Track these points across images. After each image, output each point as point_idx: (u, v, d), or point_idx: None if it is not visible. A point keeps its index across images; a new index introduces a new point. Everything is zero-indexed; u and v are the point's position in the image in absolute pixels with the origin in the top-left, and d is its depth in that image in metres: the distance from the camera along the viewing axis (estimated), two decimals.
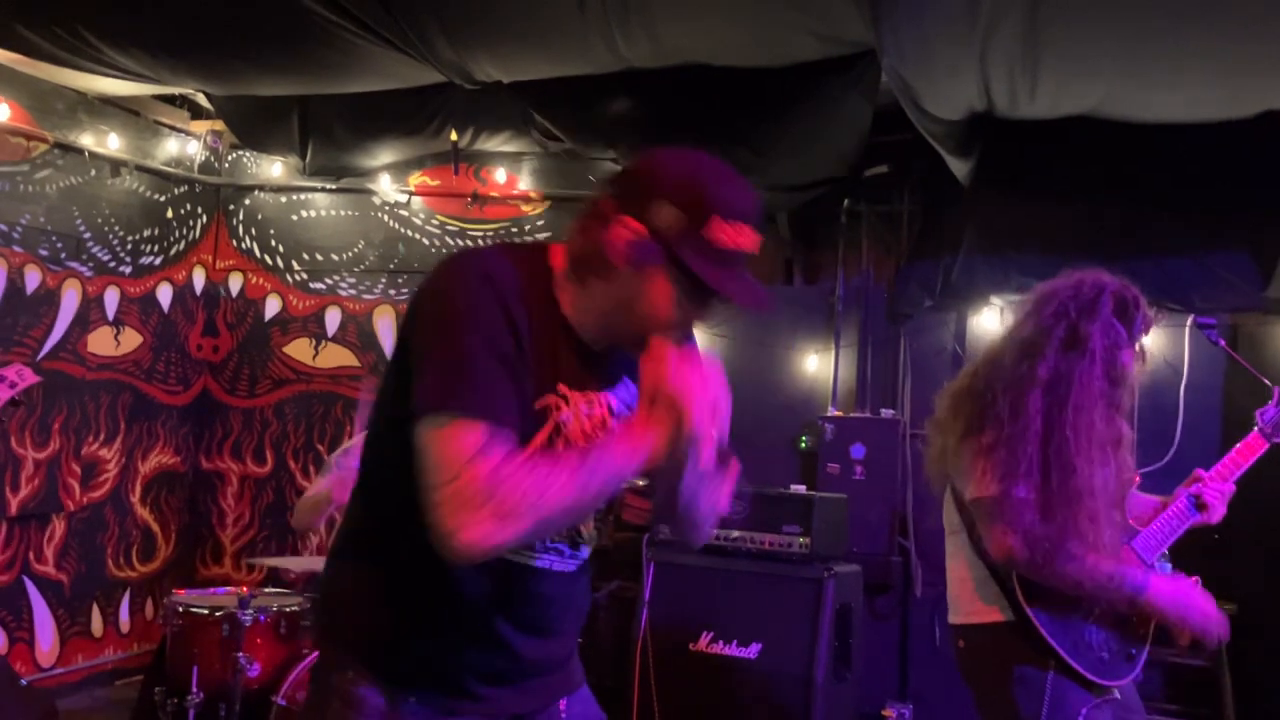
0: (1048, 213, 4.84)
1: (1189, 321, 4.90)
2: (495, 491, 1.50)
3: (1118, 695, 2.63)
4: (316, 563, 4.46)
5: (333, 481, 4.68)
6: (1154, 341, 4.89)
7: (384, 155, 5.75)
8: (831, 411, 5.32)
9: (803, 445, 5.39)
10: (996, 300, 5.13)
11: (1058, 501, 2.47)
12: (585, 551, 1.88)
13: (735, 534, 4.58)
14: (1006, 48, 3.52)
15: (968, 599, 2.69)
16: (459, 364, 1.57)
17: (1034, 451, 2.48)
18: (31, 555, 5.35)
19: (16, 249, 5.18)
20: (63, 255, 5.44)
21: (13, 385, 3.57)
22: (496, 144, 5.57)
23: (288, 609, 3.93)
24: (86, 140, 5.50)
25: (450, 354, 1.58)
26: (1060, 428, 2.49)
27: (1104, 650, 2.61)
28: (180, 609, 3.87)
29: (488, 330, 1.61)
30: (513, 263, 1.70)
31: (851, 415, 5.29)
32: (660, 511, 1.82)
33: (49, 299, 5.36)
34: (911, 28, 3.37)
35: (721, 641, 4.48)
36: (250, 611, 3.73)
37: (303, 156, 5.65)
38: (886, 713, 4.97)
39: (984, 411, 2.56)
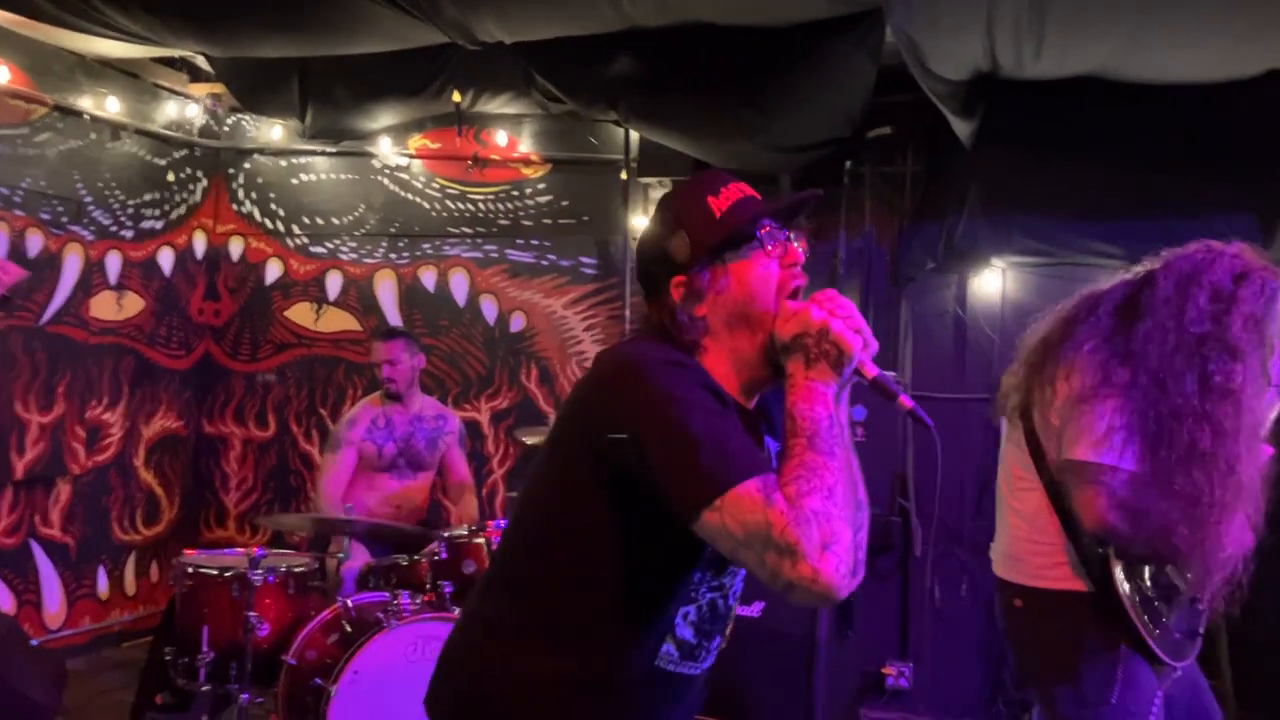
0: (1051, 174, 4.85)
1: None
2: (807, 518, 1.49)
3: (1179, 673, 2.58)
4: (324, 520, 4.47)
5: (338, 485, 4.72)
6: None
7: (384, 118, 5.72)
8: None
9: None
10: (998, 262, 5.14)
11: (1179, 479, 2.38)
12: (711, 660, 1.83)
13: None
14: (1013, 6, 3.51)
15: (1040, 561, 2.59)
16: (702, 444, 1.53)
17: (1157, 422, 2.39)
18: (38, 519, 5.38)
19: (18, 213, 5.17)
20: (64, 219, 5.43)
21: None
22: (497, 106, 5.55)
23: (296, 569, 3.96)
24: (86, 103, 5.48)
25: (690, 440, 1.53)
26: (1199, 404, 2.38)
27: (1177, 630, 2.56)
28: (190, 569, 3.90)
29: (705, 404, 1.58)
30: (675, 350, 1.69)
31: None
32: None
33: (51, 263, 5.36)
34: None
35: None
36: (260, 571, 3.76)
37: (303, 119, 5.62)
38: (887, 670, 5.03)
39: (1096, 369, 2.45)
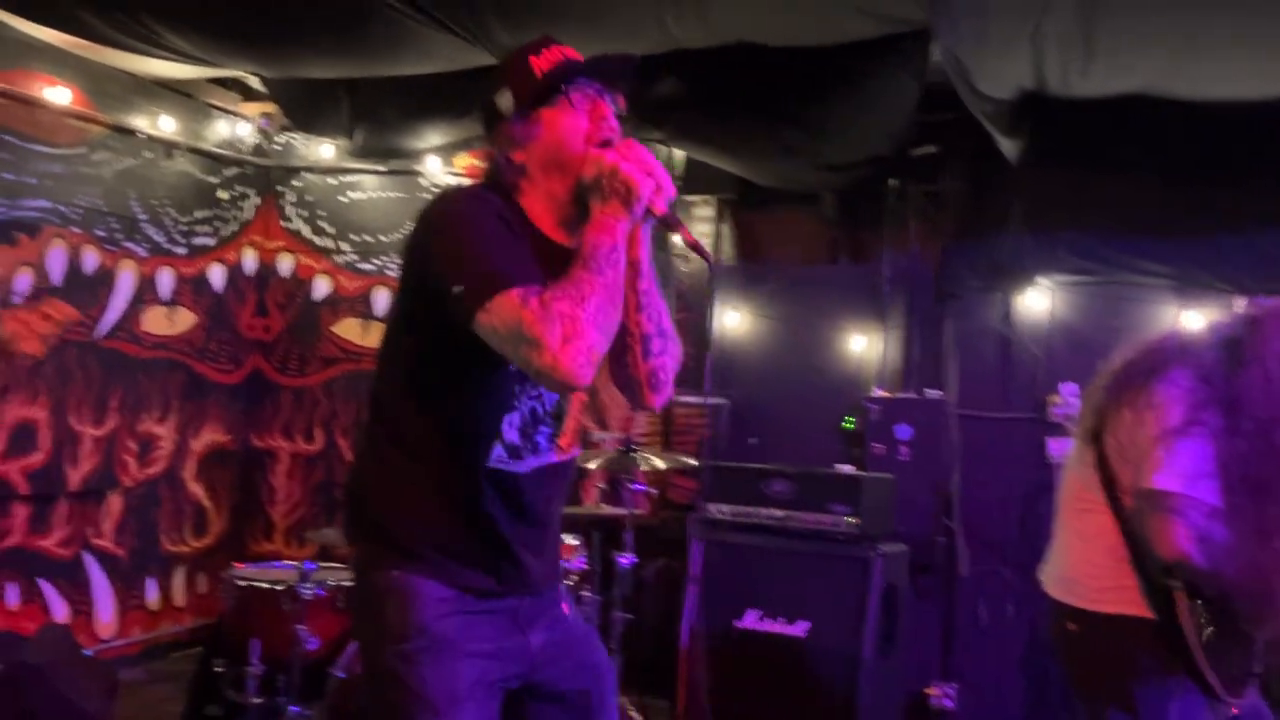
0: (1096, 192, 4.82)
1: (1238, 303, 4.86)
2: (553, 317, 1.78)
3: (1237, 712, 2.54)
4: None
5: None
6: (1202, 322, 4.87)
7: (432, 137, 5.79)
8: (877, 392, 5.33)
9: (848, 425, 5.40)
10: (1044, 280, 5.12)
11: (1256, 514, 2.37)
12: (540, 460, 2.08)
13: (782, 513, 4.62)
14: (1061, 25, 3.50)
15: (1098, 584, 2.57)
16: (479, 256, 1.86)
17: (1260, 471, 2.37)
18: (90, 530, 5.47)
19: (75, 230, 5.28)
20: (119, 236, 5.54)
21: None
22: None
23: (345, 583, 4.01)
24: (141, 123, 5.60)
25: (469, 251, 1.87)
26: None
27: (1237, 667, 2.52)
28: (240, 582, 3.96)
29: (493, 227, 1.90)
30: (488, 190, 2.02)
31: (897, 396, 5.30)
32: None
33: (106, 279, 5.47)
34: (967, 5, 3.36)
35: (769, 619, 4.52)
36: (309, 585, 3.81)
37: (352, 138, 5.71)
38: (930, 691, 5.00)
39: (1190, 407, 2.43)
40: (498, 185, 2.03)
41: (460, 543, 2.00)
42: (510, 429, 2.01)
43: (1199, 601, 2.45)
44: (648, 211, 1.93)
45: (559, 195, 2.00)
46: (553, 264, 1.90)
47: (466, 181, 2.15)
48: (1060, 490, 2.75)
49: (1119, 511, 2.53)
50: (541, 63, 1.99)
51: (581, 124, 1.98)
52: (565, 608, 2.20)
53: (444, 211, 1.97)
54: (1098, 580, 2.58)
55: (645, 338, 2.04)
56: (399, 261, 6.54)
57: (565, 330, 1.77)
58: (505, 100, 2.01)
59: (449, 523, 2.00)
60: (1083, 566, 2.62)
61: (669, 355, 2.08)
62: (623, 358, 2.05)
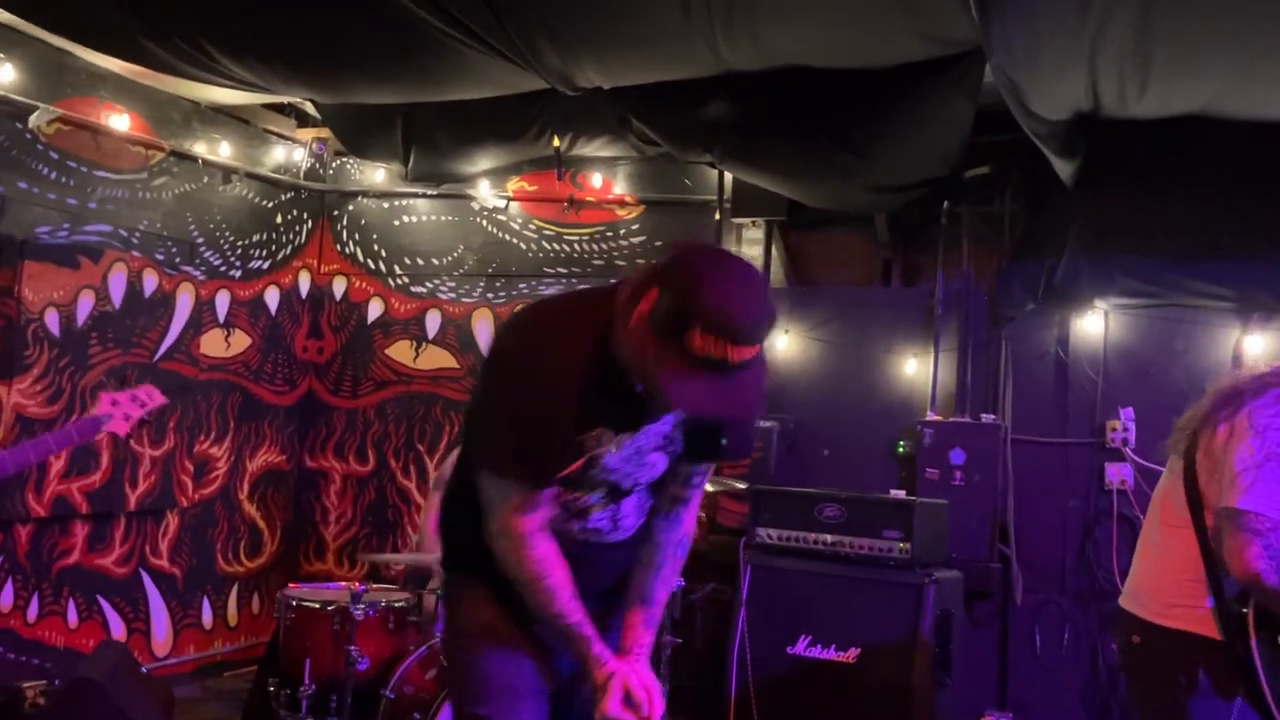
0: (1153, 214, 4.75)
1: None
2: (518, 548, 2.14)
3: None
4: (423, 558, 4.56)
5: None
6: (1263, 345, 4.77)
7: (484, 161, 5.85)
8: (930, 416, 5.28)
9: (901, 450, 5.35)
10: (1100, 303, 5.04)
11: None
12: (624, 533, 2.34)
13: (833, 538, 4.58)
14: (1117, 46, 3.46)
15: (1169, 600, 2.60)
16: (510, 426, 2.11)
17: None
18: (148, 549, 5.55)
19: (135, 253, 5.38)
20: (177, 259, 5.63)
21: (143, 405, 3.75)
22: (593, 149, 5.63)
23: (396, 604, 4.03)
24: (200, 148, 5.70)
25: (503, 414, 2.13)
26: None
27: None
28: (293, 603, 3.99)
29: (534, 393, 2.06)
30: (571, 316, 2.14)
31: (951, 420, 5.24)
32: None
33: (165, 302, 5.56)
34: (1021, 26, 3.33)
35: (820, 645, 4.47)
36: (362, 606, 3.83)
37: (405, 163, 5.77)
38: None
39: (1275, 423, 2.49)
40: (607, 312, 2.07)
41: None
42: (571, 495, 2.24)
43: (1268, 630, 2.45)
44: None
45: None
46: (616, 401, 2.08)
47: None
48: (1150, 505, 2.79)
49: (1200, 529, 2.56)
50: (698, 343, 1.92)
51: (663, 376, 1.99)
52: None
53: (501, 345, 2.26)
54: (1168, 596, 2.60)
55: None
56: (451, 284, 6.54)
57: (513, 554, 2.15)
58: (649, 300, 1.98)
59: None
60: (1156, 581, 2.65)
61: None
62: None
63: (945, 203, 5.29)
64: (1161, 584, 2.63)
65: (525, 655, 2.26)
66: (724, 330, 1.90)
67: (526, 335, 2.15)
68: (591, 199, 6.15)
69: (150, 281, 5.48)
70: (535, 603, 2.16)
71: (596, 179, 6.11)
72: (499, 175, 6.23)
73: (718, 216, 5.73)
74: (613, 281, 2.16)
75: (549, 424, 2.05)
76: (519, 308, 2.24)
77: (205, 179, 5.78)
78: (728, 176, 5.61)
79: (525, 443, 2.06)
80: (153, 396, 3.76)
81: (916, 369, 5.42)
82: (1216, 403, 2.63)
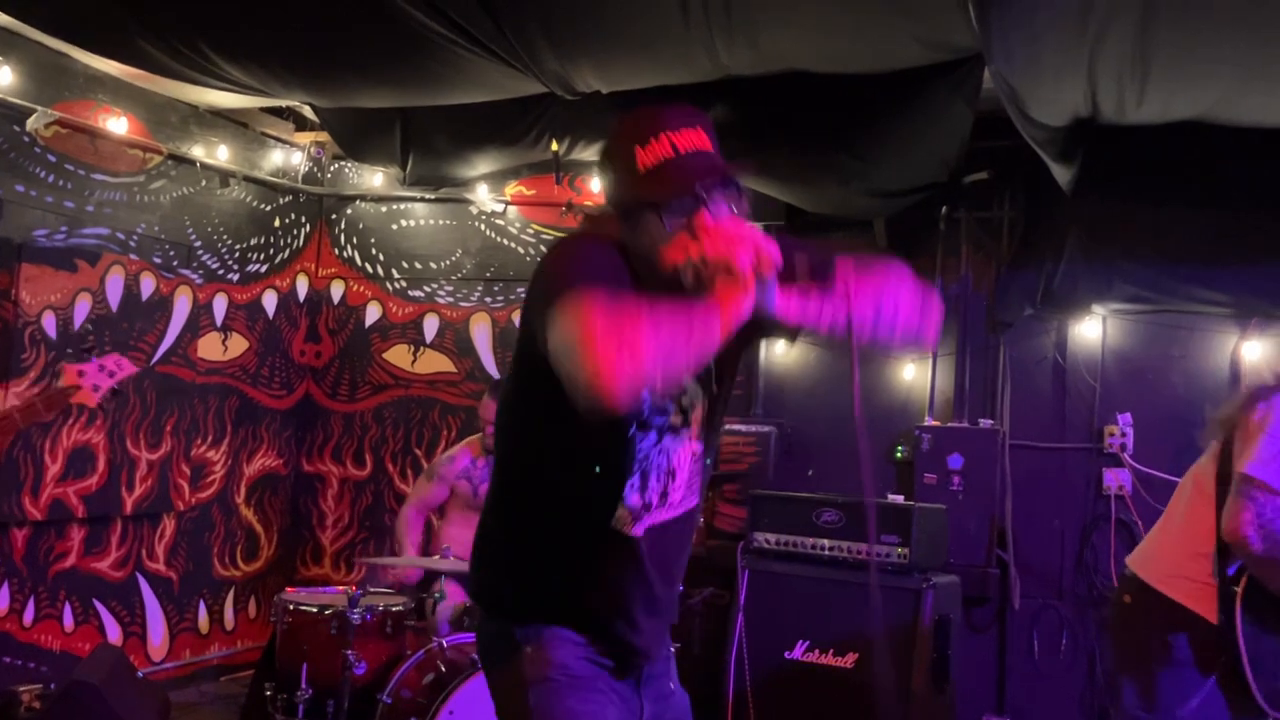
0: (1152, 220, 4.76)
1: None
2: (619, 327, 1.60)
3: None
4: (422, 562, 4.56)
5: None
6: (1263, 351, 4.78)
7: (482, 165, 5.84)
8: (928, 421, 5.28)
9: (899, 455, 5.35)
10: (1099, 309, 5.05)
11: None
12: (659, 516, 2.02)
13: (831, 543, 4.58)
14: (1117, 53, 3.46)
15: (1171, 572, 2.70)
16: (571, 274, 1.77)
17: None
18: (144, 553, 5.54)
19: (133, 256, 5.37)
20: (175, 263, 5.63)
21: (112, 374, 3.67)
22: (592, 153, 5.61)
23: (393, 608, 4.02)
24: (198, 152, 5.69)
25: (567, 282, 1.75)
26: None
27: None
28: (290, 607, 3.98)
29: (597, 260, 1.85)
30: (600, 238, 1.94)
31: (949, 425, 5.24)
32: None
33: (162, 305, 5.55)
34: (1020, 33, 3.33)
35: (818, 650, 4.47)
36: (359, 610, 3.82)
37: (403, 167, 5.76)
38: None
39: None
40: (609, 236, 1.94)
41: (582, 602, 1.99)
42: (632, 492, 1.96)
43: (1255, 611, 2.53)
44: (759, 279, 1.78)
45: (658, 274, 1.88)
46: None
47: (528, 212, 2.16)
48: (1182, 481, 2.89)
49: (1221, 503, 2.65)
50: (646, 158, 1.85)
51: (680, 242, 1.83)
52: (673, 684, 2.17)
53: (552, 258, 1.92)
54: (1175, 564, 2.69)
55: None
56: (449, 288, 6.55)
57: (622, 343, 1.59)
58: (607, 186, 1.95)
59: (572, 584, 1.99)
60: (1168, 548, 2.75)
61: (918, 310, 2.03)
62: None
63: (944, 208, 5.30)
64: (1173, 552, 2.72)
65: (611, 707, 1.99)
66: (654, 124, 1.85)
67: (560, 247, 1.97)
68: (590, 203, 6.14)
69: (148, 285, 5.47)
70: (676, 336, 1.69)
71: (595, 183, 6.11)
72: (497, 179, 6.22)
73: None
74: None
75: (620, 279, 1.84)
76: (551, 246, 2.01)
77: (203, 182, 5.77)
78: None
79: (592, 275, 1.79)
80: (121, 366, 3.71)
81: (915, 374, 5.43)
82: (1256, 392, 2.77)
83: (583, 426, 1.74)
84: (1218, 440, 2.79)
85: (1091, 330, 5.10)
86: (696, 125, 1.89)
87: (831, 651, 4.44)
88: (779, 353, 5.64)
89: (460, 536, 4.82)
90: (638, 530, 1.98)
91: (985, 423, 5.18)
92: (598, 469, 1.93)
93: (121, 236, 5.32)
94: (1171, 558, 2.71)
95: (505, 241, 6.33)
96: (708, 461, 2.10)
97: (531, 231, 6.29)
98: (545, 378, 1.76)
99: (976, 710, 4.95)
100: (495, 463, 2.10)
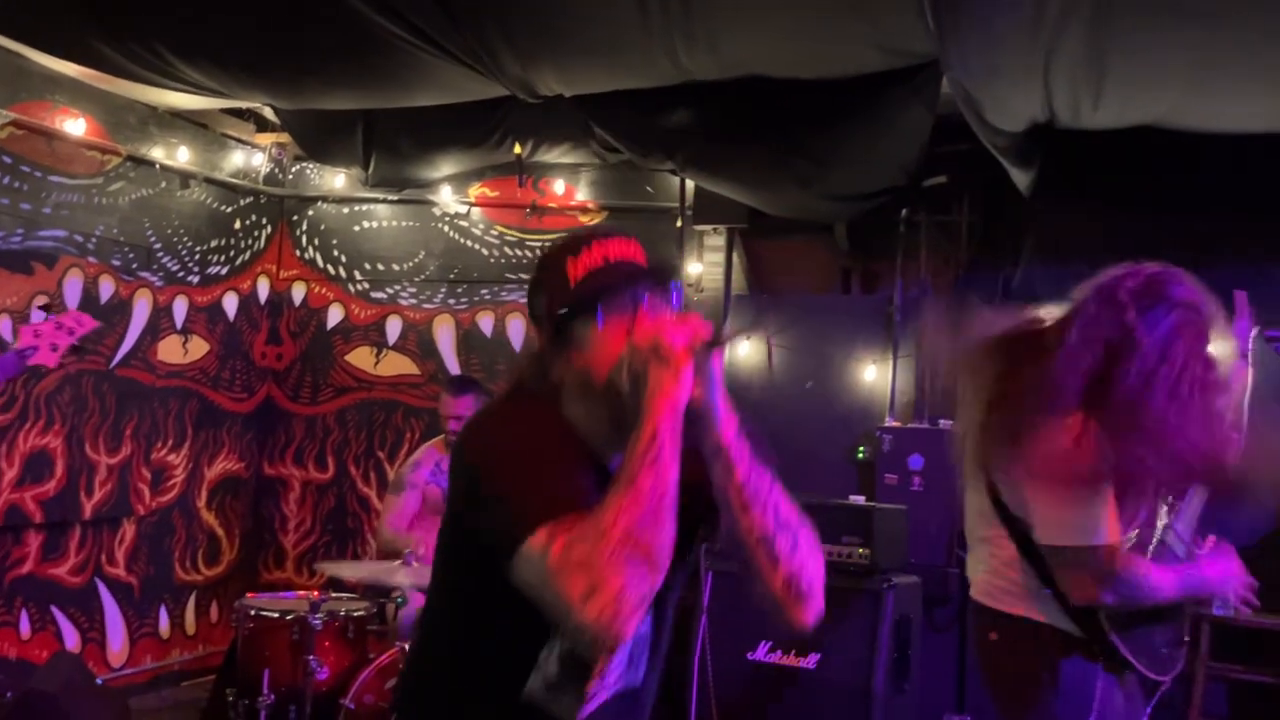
0: (1109, 223, 4.81)
1: (1254, 334, 4.84)
2: (574, 565, 1.49)
3: (1167, 684, 2.59)
4: (378, 569, 4.54)
5: (407, 520, 4.77)
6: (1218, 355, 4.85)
7: (445, 167, 5.84)
8: (889, 422, 5.32)
9: (860, 456, 5.39)
10: (1057, 311, 5.10)
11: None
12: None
13: None
14: (1070, 59, 3.52)
15: (1015, 597, 2.56)
16: (522, 492, 1.60)
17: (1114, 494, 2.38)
18: (104, 558, 5.49)
19: (91, 259, 5.32)
20: (134, 265, 5.58)
21: (71, 331, 3.59)
22: (556, 156, 5.64)
23: (355, 614, 4.01)
24: (157, 153, 5.64)
25: (511, 488, 1.61)
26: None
27: (1164, 645, 2.57)
28: (252, 612, 3.97)
29: (529, 452, 1.66)
30: (525, 401, 1.79)
31: (909, 425, 5.29)
32: (730, 529, 1.71)
33: (121, 308, 5.50)
34: (976, 40, 3.38)
35: (780, 651, 4.49)
36: (321, 616, 3.81)
37: (365, 168, 5.75)
38: None
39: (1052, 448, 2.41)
40: (541, 387, 1.79)
41: None
42: (549, 662, 1.75)
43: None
44: (696, 351, 1.63)
45: (599, 419, 1.73)
46: (591, 478, 1.67)
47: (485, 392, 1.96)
48: (968, 506, 2.78)
49: (1021, 539, 2.60)
50: (577, 269, 1.74)
51: (616, 347, 1.69)
52: None
53: (481, 447, 1.73)
54: (1015, 594, 2.59)
55: (765, 540, 1.69)
56: (412, 290, 6.52)
57: (586, 582, 1.48)
58: (539, 305, 1.80)
59: None
60: (1002, 574, 2.62)
61: (803, 552, 1.72)
62: (750, 570, 1.72)
63: (904, 211, 5.35)
64: (1009, 579, 2.61)
65: None
66: (581, 238, 1.76)
67: (485, 432, 1.80)
68: (554, 205, 6.15)
69: (107, 288, 5.41)
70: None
71: (559, 185, 6.11)
72: (461, 181, 6.21)
73: (679, 224, 5.75)
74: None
75: (562, 463, 1.67)
76: (473, 419, 1.87)
77: (163, 184, 5.72)
78: (689, 184, 5.63)
79: (558, 487, 1.62)
80: (82, 322, 3.64)
81: (875, 375, 5.47)
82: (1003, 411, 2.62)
83: (520, 611, 1.61)
84: (978, 481, 2.68)
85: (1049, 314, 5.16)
86: (629, 237, 1.80)
87: (794, 652, 4.47)
88: (742, 355, 5.67)
89: (425, 540, 4.80)
90: (559, 706, 1.77)
91: (945, 423, 5.22)
92: (511, 633, 1.73)
93: (80, 239, 5.27)
94: (1013, 590, 2.56)
95: (469, 243, 6.32)
96: (655, 635, 1.88)
97: (496, 233, 6.28)
98: (478, 571, 1.68)
99: (937, 709, 4.98)
100: (417, 634, 1.95)
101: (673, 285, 1.81)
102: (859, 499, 4.90)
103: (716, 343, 1.66)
